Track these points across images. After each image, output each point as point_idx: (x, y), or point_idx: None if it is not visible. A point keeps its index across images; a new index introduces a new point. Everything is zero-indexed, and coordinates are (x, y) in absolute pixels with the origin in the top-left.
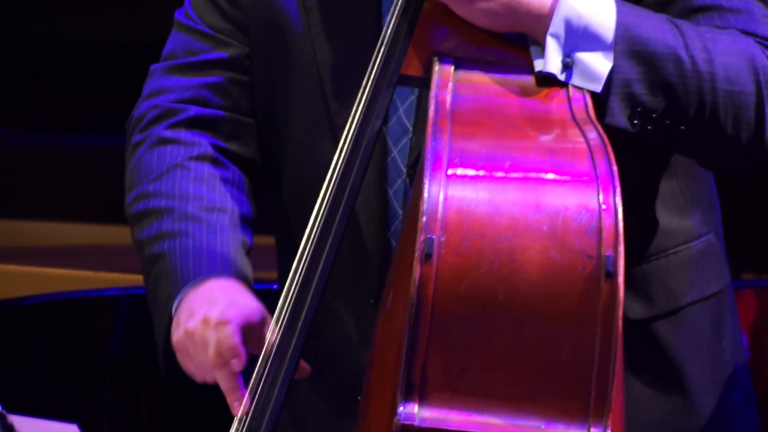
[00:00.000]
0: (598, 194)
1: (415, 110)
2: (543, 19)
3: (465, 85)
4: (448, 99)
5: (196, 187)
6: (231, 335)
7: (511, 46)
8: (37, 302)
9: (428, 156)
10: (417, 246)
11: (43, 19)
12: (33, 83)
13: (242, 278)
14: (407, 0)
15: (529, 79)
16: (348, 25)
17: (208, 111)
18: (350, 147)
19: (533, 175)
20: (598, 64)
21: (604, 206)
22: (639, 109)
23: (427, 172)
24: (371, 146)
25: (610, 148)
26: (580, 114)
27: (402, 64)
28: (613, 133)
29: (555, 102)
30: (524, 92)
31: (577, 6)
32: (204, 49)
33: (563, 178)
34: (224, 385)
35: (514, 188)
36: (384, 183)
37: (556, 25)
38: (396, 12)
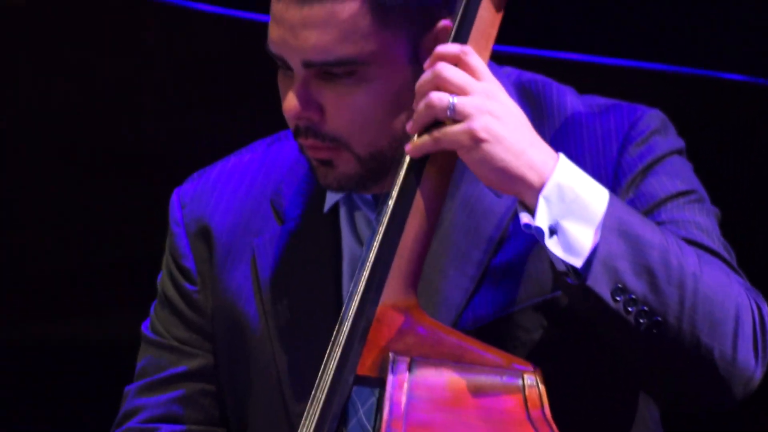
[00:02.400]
0: None
1: (374, 412)
2: (541, 177)
3: (420, 385)
4: (403, 400)
5: None
6: None
7: (468, 342)
8: None
9: None
10: None
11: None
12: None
13: None
14: (362, 302)
15: (486, 378)
16: (307, 328)
17: (178, 428)
18: None
19: None
20: (583, 237)
21: None
22: (620, 285)
23: None
24: None
25: None
26: (535, 413)
27: (357, 364)
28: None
29: (511, 401)
30: (480, 391)
31: (570, 179)
32: (171, 363)
33: None
34: None
35: None
36: None
37: (550, 188)
38: (351, 314)
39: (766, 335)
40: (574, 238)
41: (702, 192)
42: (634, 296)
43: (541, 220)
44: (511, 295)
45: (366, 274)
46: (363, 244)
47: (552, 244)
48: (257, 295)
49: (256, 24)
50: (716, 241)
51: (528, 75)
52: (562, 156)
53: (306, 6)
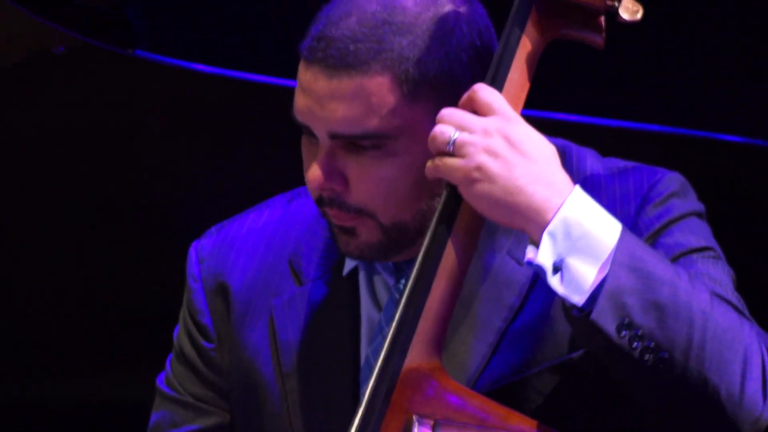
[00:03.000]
0: None
1: None
2: (543, 214)
3: None
4: None
5: None
6: None
7: (491, 407)
8: None
9: None
10: None
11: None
12: None
13: None
14: (386, 363)
15: None
16: (323, 390)
17: None
18: None
19: None
20: (586, 274)
21: None
22: (626, 321)
23: None
24: None
25: None
26: None
27: (380, 426)
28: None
29: None
30: None
31: (579, 214)
32: (186, 420)
33: None
34: None
35: None
36: None
37: (555, 225)
38: (374, 375)
39: None
40: (578, 275)
41: (719, 252)
42: (640, 332)
43: (544, 256)
44: (527, 358)
45: (391, 334)
46: (381, 308)
47: (555, 282)
48: (274, 356)
49: (266, 84)
50: (728, 292)
51: (549, 140)
52: (576, 189)
53: (335, 78)
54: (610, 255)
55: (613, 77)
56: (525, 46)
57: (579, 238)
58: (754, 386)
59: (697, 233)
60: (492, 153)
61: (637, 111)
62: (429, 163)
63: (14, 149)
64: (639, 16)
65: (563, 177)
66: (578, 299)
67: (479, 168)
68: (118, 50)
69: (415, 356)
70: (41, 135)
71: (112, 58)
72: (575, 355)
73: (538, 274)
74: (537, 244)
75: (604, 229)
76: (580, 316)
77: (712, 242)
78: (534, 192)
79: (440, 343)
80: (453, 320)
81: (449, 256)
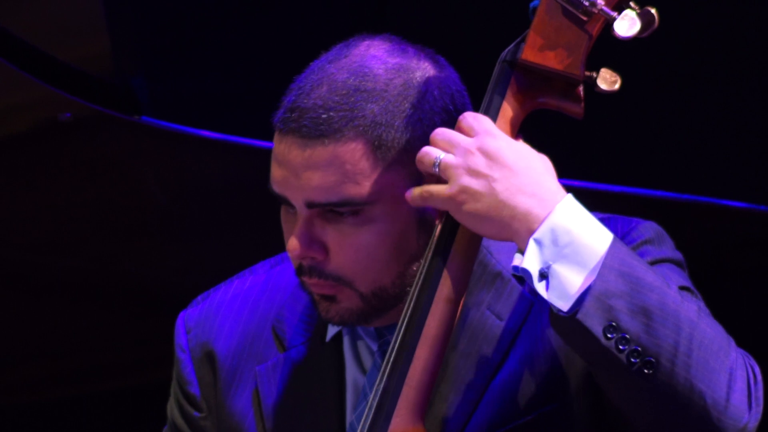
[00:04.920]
0: None
1: None
2: (528, 224)
3: None
4: None
5: None
6: None
7: None
8: None
9: None
10: None
11: None
12: None
13: None
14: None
15: None
16: None
17: None
18: None
19: None
20: (572, 280)
21: None
22: (613, 323)
23: None
24: None
25: None
26: None
27: None
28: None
29: None
30: None
31: (568, 222)
32: None
33: None
34: None
35: None
36: None
37: (542, 232)
38: None
39: (758, 388)
40: (564, 281)
41: (698, 294)
42: (627, 335)
43: (530, 262)
44: (508, 413)
45: (374, 403)
46: (366, 373)
47: (541, 288)
48: (259, 423)
49: (253, 148)
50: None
51: None
52: (567, 198)
53: (309, 148)
54: (599, 262)
55: (598, 140)
56: (505, 115)
57: (566, 245)
58: (740, 395)
59: (670, 278)
60: (473, 172)
61: (624, 175)
62: (416, 191)
63: (18, 216)
64: (617, 86)
65: (552, 185)
66: (563, 304)
67: (464, 190)
68: (124, 117)
69: (399, 422)
70: (45, 202)
71: (117, 125)
72: (554, 406)
73: (518, 330)
74: (524, 253)
75: (594, 237)
76: (565, 317)
77: (690, 286)
78: (517, 204)
79: (423, 409)
80: None
81: (431, 325)
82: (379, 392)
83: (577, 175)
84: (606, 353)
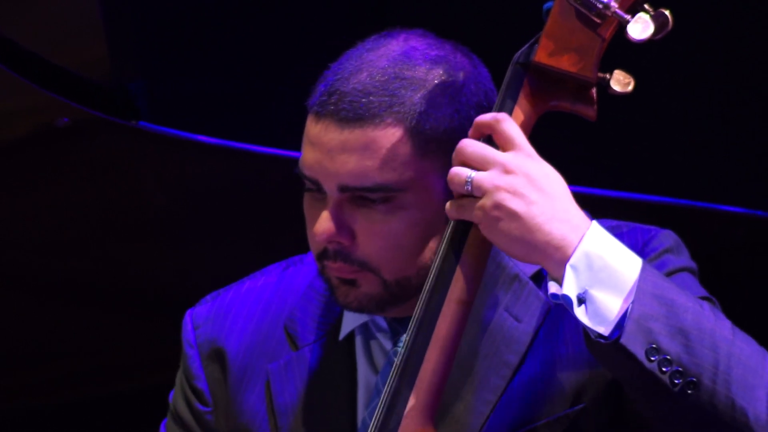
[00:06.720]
0: None
1: None
2: (563, 250)
3: None
4: None
5: None
6: None
7: None
8: None
9: None
10: None
11: None
12: None
13: None
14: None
15: None
16: None
17: None
18: None
19: None
20: (611, 304)
21: None
22: (654, 346)
23: None
24: None
25: None
26: None
27: None
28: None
29: None
30: None
31: (599, 248)
32: None
33: None
34: None
35: None
36: None
37: (577, 258)
38: None
39: None
40: (602, 306)
41: (717, 303)
42: (668, 356)
43: (569, 288)
44: (526, 415)
45: (384, 404)
46: (378, 372)
47: (580, 313)
48: (271, 420)
49: (251, 153)
50: None
51: None
52: (594, 224)
53: (347, 130)
54: (633, 285)
55: (610, 146)
56: (518, 118)
57: (600, 270)
58: None
59: (691, 287)
60: (511, 190)
61: (633, 181)
62: (449, 205)
63: (16, 221)
64: (630, 88)
65: (579, 213)
66: (604, 330)
67: (498, 206)
68: (122, 122)
69: (409, 423)
70: (45, 206)
71: (115, 130)
72: (574, 409)
73: (536, 332)
74: (557, 280)
75: (624, 261)
76: (607, 343)
77: (708, 294)
78: (551, 229)
79: (434, 410)
80: (451, 378)
81: (442, 325)
82: (390, 392)
83: (576, 180)
84: (650, 376)
